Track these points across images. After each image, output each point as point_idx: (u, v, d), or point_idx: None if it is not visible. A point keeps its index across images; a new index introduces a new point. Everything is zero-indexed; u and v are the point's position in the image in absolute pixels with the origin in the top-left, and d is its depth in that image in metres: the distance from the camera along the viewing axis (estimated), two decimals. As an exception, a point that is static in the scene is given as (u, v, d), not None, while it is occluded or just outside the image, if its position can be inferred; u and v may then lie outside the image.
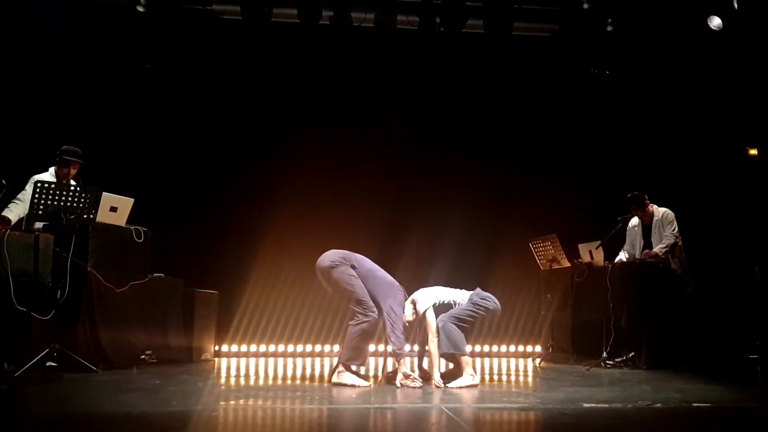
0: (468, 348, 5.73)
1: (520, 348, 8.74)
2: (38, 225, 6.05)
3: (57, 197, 5.74)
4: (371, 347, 5.89)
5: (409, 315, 5.58)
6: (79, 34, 8.07)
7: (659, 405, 4.56)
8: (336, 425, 4.00)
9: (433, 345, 5.51)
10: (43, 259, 5.71)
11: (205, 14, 8.41)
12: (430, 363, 5.57)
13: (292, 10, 8.29)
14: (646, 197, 7.29)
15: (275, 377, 6.27)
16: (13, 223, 6.08)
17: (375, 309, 5.49)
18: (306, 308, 8.37)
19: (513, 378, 6.48)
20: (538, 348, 8.51)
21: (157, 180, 8.08)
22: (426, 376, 5.61)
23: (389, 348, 5.56)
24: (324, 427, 3.97)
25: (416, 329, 5.83)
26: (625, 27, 8.56)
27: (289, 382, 5.92)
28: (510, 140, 8.90)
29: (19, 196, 6.20)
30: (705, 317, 7.11)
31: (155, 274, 6.79)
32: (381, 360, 6.10)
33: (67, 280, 5.72)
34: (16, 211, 6.15)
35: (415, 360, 6.08)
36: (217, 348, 7.98)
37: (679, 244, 7.14)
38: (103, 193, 6.12)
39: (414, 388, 5.30)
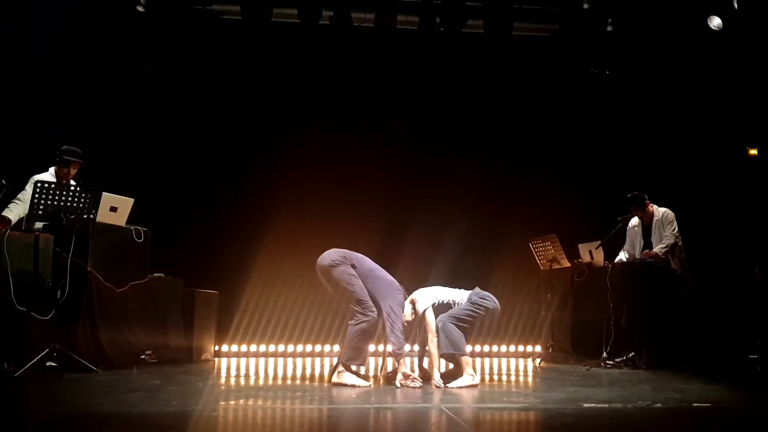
0: (468, 348, 5.73)
1: (520, 348, 8.74)
2: (38, 225, 6.05)
3: (57, 197, 5.74)
4: (371, 347, 5.88)
5: (408, 315, 5.58)
6: (79, 34, 8.07)
7: (659, 405, 4.56)
8: (336, 425, 4.00)
9: (432, 345, 5.51)
10: (43, 259, 5.71)
11: (205, 14, 8.41)
12: (430, 363, 5.57)
13: (292, 10, 8.30)
14: (646, 197, 7.30)
15: (275, 377, 6.27)
16: (13, 223, 6.08)
17: (375, 309, 5.49)
18: (306, 308, 8.37)
19: (513, 378, 6.48)
20: (538, 348, 8.51)
21: (157, 180, 8.08)
22: (426, 376, 5.61)
23: (389, 348, 5.56)
24: (324, 427, 3.97)
25: (416, 329, 5.82)
26: (625, 27, 8.56)
27: (289, 382, 5.92)
28: (510, 140, 8.90)
29: (19, 196, 6.20)
30: (705, 317, 7.10)
31: (155, 274, 6.79)
32: (381, 360, 6.08)
33: (67, 280, 5.71)
34: (16, 211, 6.15)
35: (415, 360, 6.08)
36: (217, 348, 7.98)
37: (679, 244, 7.14)
38: (103, 193, 6.12)
39: (414, 388, 5.30)
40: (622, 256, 7.44)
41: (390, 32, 8.54)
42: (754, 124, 7.99)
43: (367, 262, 5.68)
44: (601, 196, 8.40)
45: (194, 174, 8.41)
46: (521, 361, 8.17)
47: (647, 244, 7.28)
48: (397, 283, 5.68)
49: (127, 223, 6.42)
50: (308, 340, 8.45)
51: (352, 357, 5.48)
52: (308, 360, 8.05)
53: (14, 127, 7.67)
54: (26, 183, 6.28)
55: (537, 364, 7.47)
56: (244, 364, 7.43)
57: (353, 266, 5.57)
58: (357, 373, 5.56)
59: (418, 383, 5.36)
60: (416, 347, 6.07)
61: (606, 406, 4.51)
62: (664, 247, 7.04)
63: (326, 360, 7.84)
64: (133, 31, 8.25)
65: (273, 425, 4.01)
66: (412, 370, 5.63)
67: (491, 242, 8.63)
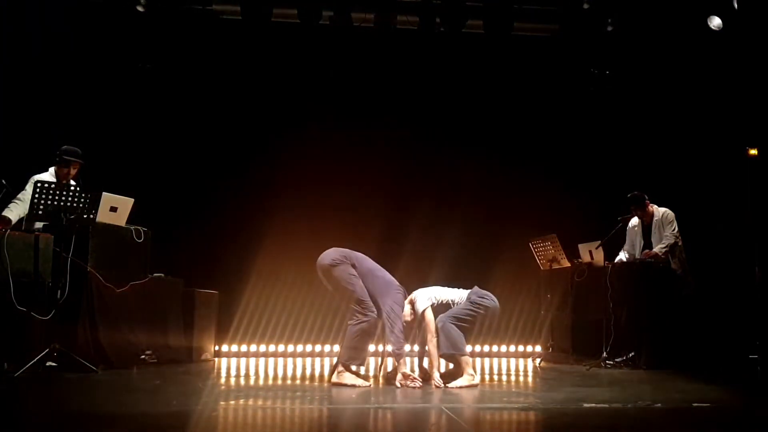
0: (468, 348, 5.73)
1: (520, 348, 8.74)
2: (38, 225, 6.05)
3: (57, 197, 5.74)
4: (371, 347, 5.88)
5: (407, 315, 5.57)
6: (79, 34, 8.07)
7: (659, 405, 4.55)
8: (336, 425, 4.00)
9: (432, 345, 5.51)
10: (43, 259, 5.71)
11: (205, 14, 8.42)
12: (430, 363, 5.57)
13: (292, 10, 8.30)
14: (646, 197, 7.30)
15: (275, 377, 6.27)
16: (13, 223, 6.08)
17: (374, 309, 5.49)
18: (306, 308, 8.37)
19: (513, 378, 6.48)
20: (538, 348, 8.51)
21: (157, 180, 8.08)
22: (426, 376, 5.61)
23: (388, 348, 5.56)
24: (324, 427, 3.97)
25: (416, 329, 5.82)
26: (625, 27, 8.56)
27: (289, 382, 5.92)
28: (510, 140, 8.90)
29: (19, 196, 6.20)
30: (705, 317, 7.10)
31: (155, 274, 6.78)
32: (380, 360, 6.07)
33: (67, 280, 5.71)
34: (16, 211, 6.15)
35: (415, 360, 6.08)
36: (217, 348, 7.98)
37: (679, 244, 7.14)
38: (103, 193, 6.13)
39: (414, 388, 5.30)
40: (622, 256, 7.44)
41: (390, 32, 8.54)
42: (754, 124, 7.99)
43: (367, 262, 5.68)
44: (601, 196, 8.40)
45: (194, 174, 8.41)
46: (521, 361, 8.17)
47: (647, 244, 7.28)
48: (397, 283, 5.67)
49: (127, 223, 6.41)
50: (308, 340, 8.46)
51: (352, 357, 5.48)
52: (308, 360, 8.05)
53: (14, 127, 7.67)
54: (26, 183, 6.28)
55: (537, 364, 7.47)
56: (244, 364, 7.43)
57: (353, 266, 5.57)
58: (357, 373, 5.56)
59: (417, 383, 5.36)
60: (416, 347, 6.07)
61: (606, 406, 4.51)
62: (664, 247, 7.04)
63: (326, 360, 7.84)
64: (133, 31, 8.25)
65: (273, 425, 4.01)
66: (412, 370, 5.63)
67: (491, 242, 8.63)
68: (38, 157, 6.76)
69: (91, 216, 5.96)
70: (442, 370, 5.69)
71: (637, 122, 8.82)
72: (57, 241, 5.77)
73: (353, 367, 5.53)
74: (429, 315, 5.53)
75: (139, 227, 6.50)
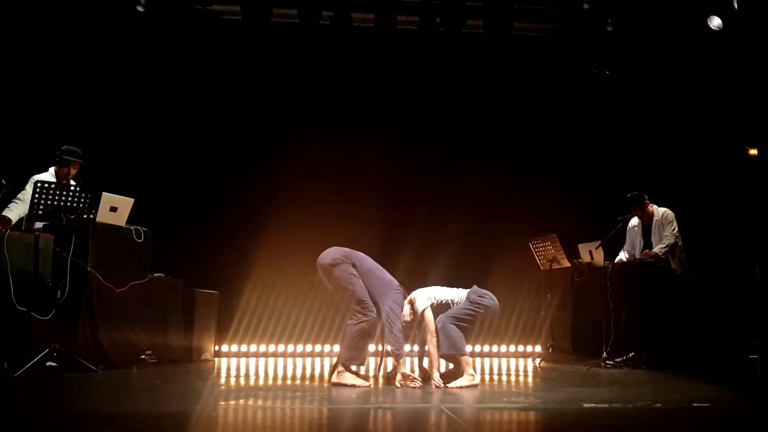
0: (468, 348, 5.72)
1: (520, 348, 8.74)
2: (38, 225, 6.05)
3: (57, 197, 5.74)
4: (371, 347, 5.88)
5: (407, 314, 5.56)
6: (79, 34, 8.07)
7: (659, 405, 4.55)
8: (336, 425, 4.00)
9: (432, 345, 5.50)
10: (43, 259, 5.71)
11: (205, 14, 8.42)
12: (430, 363, 5.57)
13: (292, 10, 8.30)
14: (646, 197, 7.30)
15: (275, 377, 6.27)
16: (13, 223, 6.08)
17: (374, 309, 5.49)
18: (306, 308, 8.37)
19: (513, 378, 6.48)
20: (538, 348, 8.51)
21: (157, 180, 8.08)
22: (426, 376, 5.61)
23: (388, 348, 5.55)
24: (324, 427, 3.97)
25: (415, 329, 5.82)
26: (625, 27, 8.56)
27: (289, 382, 5.92)
28: (510, 140, 8.90)
29: (19, 195, 6.20)
30: (705, 317, 7.10)
31: (155, 274, 6.79)
32: (380, 359, 6.07)
33: (67, 280, 5.71)
34: (16, 211, 6.15)
35: (415, 360, 6.08)
36: (217, 348, 7.99)
37: (679, 244, 7.14)
38: (103, 193, 6.13)
39: (414, 388, 5.30)
40: (622, 256, 7.44)
41: (390, 32, 8.54)
42: (754, 124, 7.99)
43: (368, 262, 5.68)
44: (601, 196, 8.40)
45: (194, 174, 8.41)
46: (521, 361, 8.17)
47: (647, 244, 7.28)
48: (396, 283, 5.67)
49: (127, 223, 6.42)
50: (308, 340, 8.46)
51: (352, 357, 5.48)
52: (308, 360, 8.05)
53: (14, 127, 7.67)
54: (26, 183, 6.28)
55: (537, 364, 7.47)
56: (244, 364, 7.43)
57: (354, 265, 5.57)
58: (357, 373, 5.56)
59: (417, 383, 5.36)
60: (416, 347, 6.07)
61: (606, 406, 4.51)
62: (664, 247, 7.04)
63: (326, 360, 7.84)
64: (133, 31, 8.25)
65: (273, 425, 4.01)
66: (412, 370, 5.63)
67: (491, 242, 8.62)
68: (38, 157, 6.76)
69: (91, 216, 5.96)
70: (442, 370, 5.69)
71: (637, 122, 8.82)
72: (57, 241, 5.77)
73: (353, 367, 5.53)
74: (429, 315, 5.53)
75: (139, 227, 6.50)
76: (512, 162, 8.82)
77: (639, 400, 4.69)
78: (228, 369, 6.91)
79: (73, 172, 6.39)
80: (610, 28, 8.57)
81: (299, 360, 8.05)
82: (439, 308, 5.62)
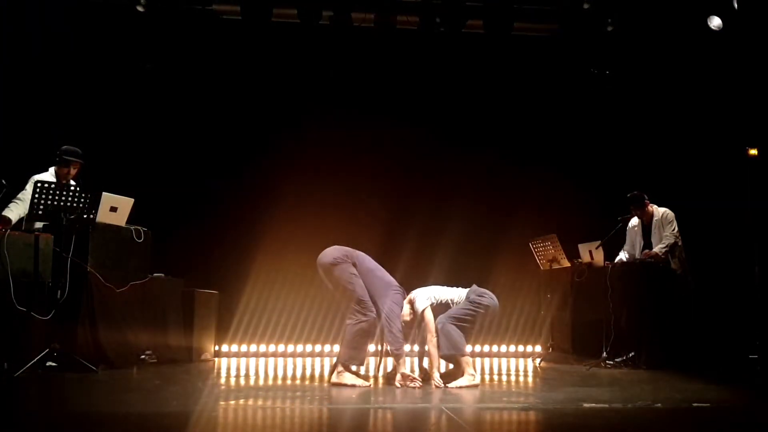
0: (468, 348, 5.72)
1: (520, 348, 8.74)
2: (38, 225, 6.05)
3: (57, 197, 5.74)
4: (371, 347, 5.88)
5: (406, 314, 5.57)
6: (79, 34, 8.07)
7: (659, 405, 4.56)
8: (336, 425, 4.00)
9: (432, 344, 5.50)
10: (43, 259, 5.71)
11: (205, 14, 8.41)
12: (430, 363, 5.57)
13: (292, 10, 8.29)
14: (646, 197, 7.30)
15: (275, 377, 6.27)
16: (13, 223, 6.08)
17: (374, 309, 5.49)
18: (306, 308, 8.37)
19: (513, 378, 6.48)
20: (538, 348, 8.51)
21: (157, 180, 8.07)
22: (426, 376, 5.61)
23: (388, 348, 5.55)
24: (324, 427, 3.97)
25: (415, 329, 5.82)
26: (625, 27, 8.56)
27: (289, 382, 5.92)
28: (510, 140, 8.90)
29: (19, 195, 6.21)
30: (705, 317, 7.10)
31: (155, 274, 6.79)
32: (380, 359, 6.07)
33: (67, 280, 5.72)
34: (16, 211, 6.15)
35: (415, 360, 6.08)
36: (217, 348, 7.98)
37: (679, 244, 7.13)
38: (103, 193, 6.13)
39: (414, 388, 5.30)
40: (622, 256, 7.44)
41: (390, 32, 8.53)
42: (754, 124, 7.99)
43: (368, 262, 5.68)
44: (601, 196, 8.40)
45: (194, 174, 8.40)
46: (521, 361, 8.17)
47: (647, 244, 7.28)
48: (396, 283, 5.67)
49: (127, 223, 6.42)
50: (308, 340, 8.45)
51: (352, 357, 5.48)
52: (308, 360, 8.05)
53: (14, 127, 7.67)
54: (26, 183, 6.28)
55: (537, 364, 7.47)
56: (244, 364, 7.43)
57: (354, 265, 5.57)
58: (357, 373, 5.56)
59: (417, 383, 5.36)
60: (416, 347, 6.07)
61: (606, 406, 4.51)
62: (664, 247, 7.04)
63: (326, 360, 7.83)
64: (133, 31, 8.25)
65: (273, 425, 4.01)
66: (412, 370, 5.62)
67: (491, 242, 8.62)
68: (38, 157, 6.76)
69: (91, 216, 5.97)
70: (442, 370, 5.69)
71: (638, 122, 8.82)
72: (57, 241, 5.77)
73: (353, 367, 5.53)
74: (428, 315, 5.53)
75: (139, 227, 6.50)
76: (512, 162, 8.82)
77: (639, 400, 4.69)
78: (228, 369, 6.91)
79: (73, 172, 6.40)
80: (610, 28, 8.57)
81: (299, 360, 8.05)
82: (438, 308, 5.62)
